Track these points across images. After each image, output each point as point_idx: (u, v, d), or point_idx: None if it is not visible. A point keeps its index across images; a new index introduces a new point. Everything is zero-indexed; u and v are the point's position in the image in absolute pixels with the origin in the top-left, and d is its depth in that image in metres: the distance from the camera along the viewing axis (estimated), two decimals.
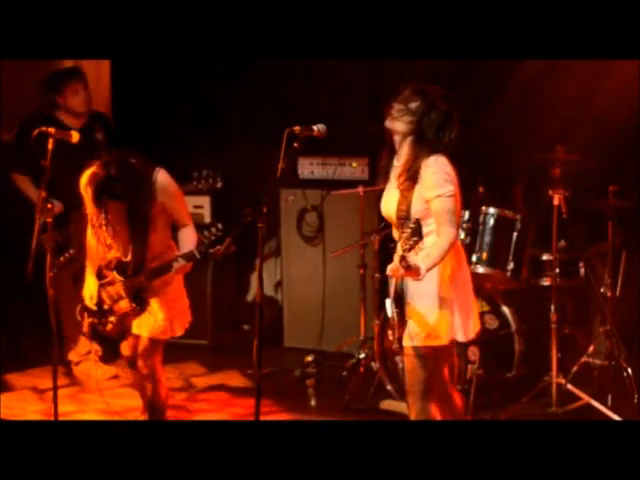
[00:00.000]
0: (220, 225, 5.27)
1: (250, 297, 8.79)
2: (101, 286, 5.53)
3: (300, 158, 8.12)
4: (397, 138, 4.91)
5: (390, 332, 4.90)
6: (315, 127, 4.98)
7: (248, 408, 6.04)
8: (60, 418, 5.43)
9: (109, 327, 5.51)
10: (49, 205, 5.40)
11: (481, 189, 6.84)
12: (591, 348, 6.72)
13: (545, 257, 6.78)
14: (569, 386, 6.45)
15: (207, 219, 8.21)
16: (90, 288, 5.59)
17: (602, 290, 6.71)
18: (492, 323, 6.77)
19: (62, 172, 5.89)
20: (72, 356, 7.35)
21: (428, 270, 4.63)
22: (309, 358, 7.32)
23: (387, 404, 6.56)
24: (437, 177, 4.75)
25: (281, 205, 8.15)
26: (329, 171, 8.09)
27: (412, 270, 4.55)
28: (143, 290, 5.45)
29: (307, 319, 8.11)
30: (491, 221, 6.72)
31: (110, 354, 6.73)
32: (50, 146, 5.46)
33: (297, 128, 4.93)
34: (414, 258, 4.56)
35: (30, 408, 6.73)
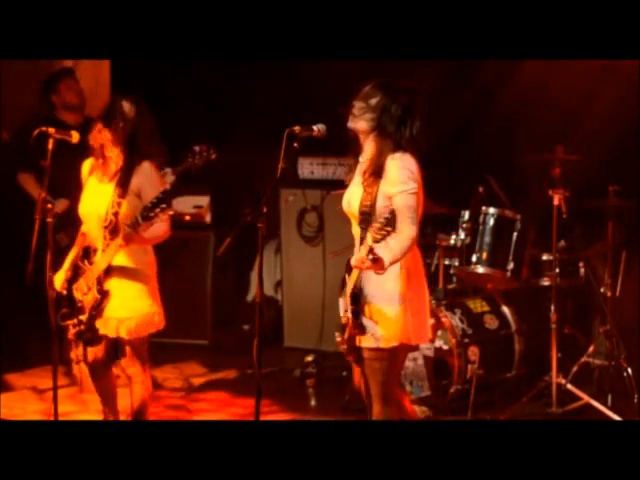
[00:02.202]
0: (163, 189, 5.09)
1: (250, 297, 8.78)
2: (74, 282, 5.46)
3: (300, 158, 8.11)
4: (361, 136, 4.86)
5: (337, 333, 4.86)
6: (315, 127, 4.97)
7: (248, 408, 6.03)
8: (60, 418, 5.41)
9: (82, 327, 5.39)
10: (49, 205, 5.38)
11: (481, 189, 6.83)
12: (591, 348, 6.72)
13: (545, 257, 6.78)
14: (569, 386, 6.45)
15: (207, 219, 8.21)
16: (61, 275, 5.47)
17: (602, 290, 6.71)
18: (492, 323, 6.77)
19: (66, 172, 5.89)
20: (72, 356, 7.32)
21: (390, 264, 4.58)
22: (309, 358, 7.31)
23: None
24: (401, 173, 4.71)
25: (281, 205, 8.14)
26: (329, 171, 8.08)
27: (377, 263, 4.53)
28: (103, 280, 5.29)
29: (307, 319, 8.10)
30: (491, 221, 6.72)
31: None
32: (50, 146, 5.45)
33: (297, 128, 4.92)
34: (377, 251, 4.51)
35: (30, 408, 6.72)
